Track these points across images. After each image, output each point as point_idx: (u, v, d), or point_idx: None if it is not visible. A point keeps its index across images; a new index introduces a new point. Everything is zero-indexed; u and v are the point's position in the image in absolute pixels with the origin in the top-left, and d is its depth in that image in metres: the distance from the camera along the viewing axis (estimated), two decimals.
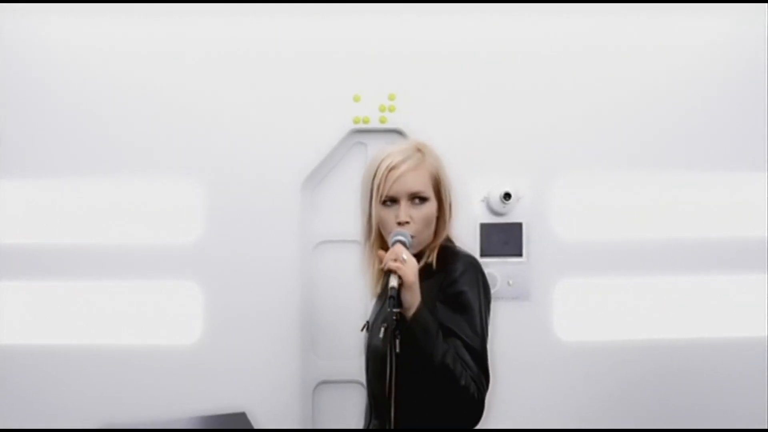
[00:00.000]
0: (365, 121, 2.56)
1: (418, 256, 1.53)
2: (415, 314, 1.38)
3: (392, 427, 1.24)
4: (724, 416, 2.57)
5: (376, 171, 1.58)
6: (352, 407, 2.38)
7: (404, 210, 1.53)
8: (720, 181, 2.60)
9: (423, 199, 1.56)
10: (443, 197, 1.61)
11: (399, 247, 1.44)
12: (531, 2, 2.58)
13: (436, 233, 1.59)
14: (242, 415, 2.09)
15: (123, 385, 2.44)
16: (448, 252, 1.58)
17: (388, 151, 1.61)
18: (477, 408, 1.43)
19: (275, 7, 2.53)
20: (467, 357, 1.42)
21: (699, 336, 2.59)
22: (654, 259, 2.59)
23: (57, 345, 2.47)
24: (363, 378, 1.80)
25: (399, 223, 1.53)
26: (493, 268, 2.53)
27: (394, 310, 1.35)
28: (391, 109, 2.56)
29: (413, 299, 1.38)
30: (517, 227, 2.57)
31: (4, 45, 2.53)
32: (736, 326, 2.59)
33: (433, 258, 1.55)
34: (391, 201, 1.56)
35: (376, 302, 1.71)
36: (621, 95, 2.60)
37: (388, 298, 1.35)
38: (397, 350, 1.30)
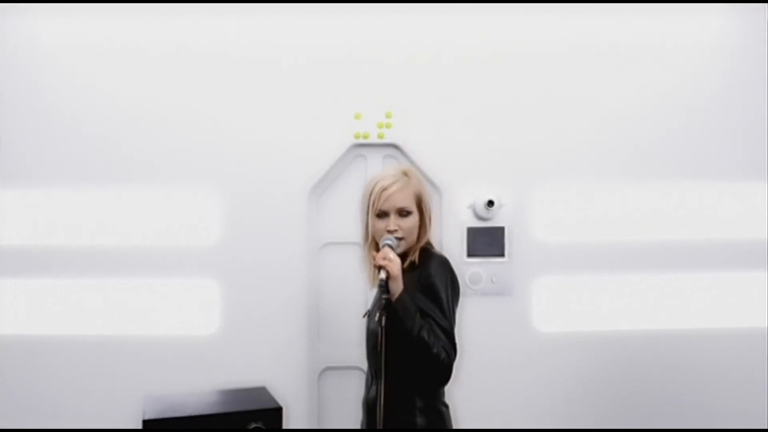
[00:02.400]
0: (365, 137, 2.98)
1: (404, 255, 1.99)
2: (398, 298, 1.86)
3: (384, 381, 1.72)
4: (687, 399, 2.99)
5: (372, 190, 2.06)
6: (354, 390, 2.76)
7: (393, 221, 2.01)
8: (683, 187, 3.01)
9: (407, 213, 2.03)
10: (424, 211, 2.07)
11: (387, 249, 1.93)
12: (513, 2, 2.96)
13: (418, 238, 2.05)
14: (263, 389, 2.54)
15: (153, 370, 2.84)
16: (427, 253, 2.05)
17: (382, 174, 2.10)
18: (446, 370, 1.90)
19: (288, 37, 2.95)
20: (439, 332, 1.88)
21: (664, 328, 3.00)
22: (622, 258, 3.00)
23: (93, 336, 2.87)
24: (363, 364, 2.23)
25: (389, 231, 2.00)
26: (479, 267, 2.96)
27: (384, 296, 1.84)
28: (388, 126, 2.97)
29: (397, 288, 1.86)
30: (500, 231, 2.98)
31: (18, 52, 2.89)
32: (700, 319, 3.00)
33: (415, 257, 2.01)
34: (383, 214, 2.03)
35: (376, 294, 2.14)
36: (594, 113, 3.01)
37: (379, 286, 1.84)
38: (382, 324, 1.79)
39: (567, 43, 3.02)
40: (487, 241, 2.98)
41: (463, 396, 2.80)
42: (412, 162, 2.96)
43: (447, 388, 2.68)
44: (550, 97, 3.01)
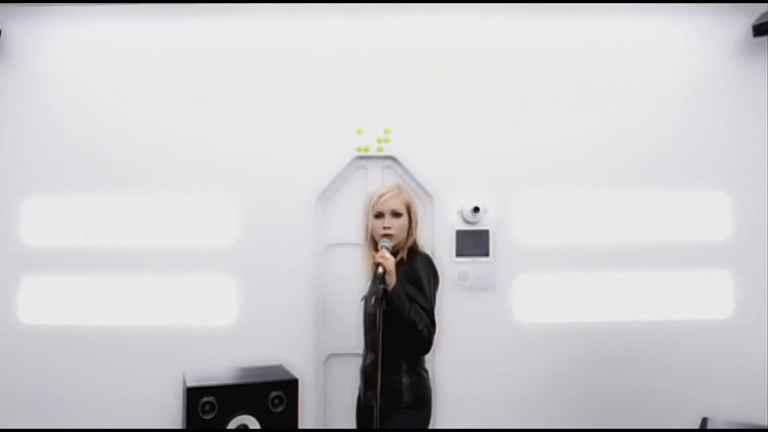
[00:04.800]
0: (366, 150, 3.55)
1: (395, 252, 2.60)
2: (393, 289, 2.46)
3: (381, 355, 2.39)
4: (653, 384, 3.52)
5: (373, 197, 2.70)
6: (354, 373, 3.13)
7: (388, 220, 2.65)
8: (651, 195, 3.58)
9: (399, 215, 2.66)
10: (412, 216, 2.69)
11: (384, 251, 2.54)
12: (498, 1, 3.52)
13: (407, 239, 2.67)
14: (280, 366, 3.18)
15: (183, 353, 3.41)
16: (414, 252, 2.67)
17: (381, 186, 2.74)
18: (428, 342, 2.52)
19: (298, 64, 3.54)
20: (423, 314, 2.49)
21: (632, 320, 3.55)
22: (594, 258, 3.55)
23: (128, 326, 3.48)
24: (362, 351, 2.81)
25: (384, 228, 2.62)
26: (466, 265, 3.53)
27: (381, 286, 2.47)
28: (387, 141, 3.55)
29: (392, 280, 2.47)
30: (485, 233, 3.54)
31: (48, 62, 3.49)
32: (666, 313, 3.56)
33: (404, 255, 2.63)
34: (380, 215, 2.66)
35: (370, 283, 2.76)
36: (567, 130, 3.57)
37: (377, 279, 2.46)
38: (383, 308, 2.43)
39: (542, 67, 3.59)
40: (473, 243, 3.55)
41: (453, 377, 3.46)
42: (407, 172, 3.56)
43: (440, 370, 3.33)
44: (529, 117, 3.59)
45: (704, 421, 2.67)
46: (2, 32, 3.47)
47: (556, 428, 3.53)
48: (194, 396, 2.80)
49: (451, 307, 3.50)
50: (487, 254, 3.57)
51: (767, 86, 3.59)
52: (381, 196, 2.70)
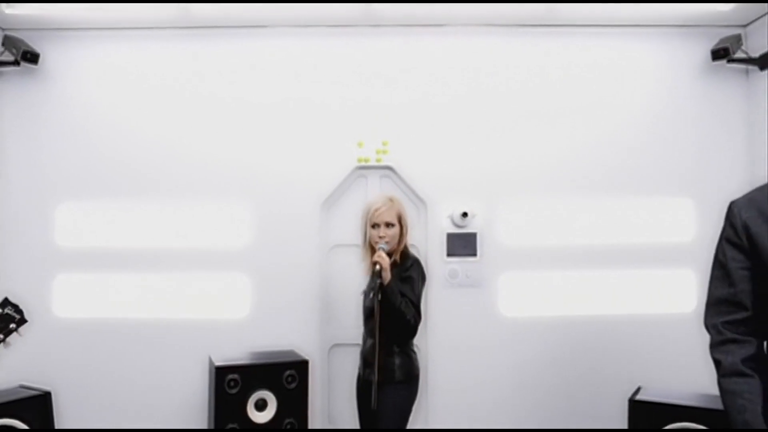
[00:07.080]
0: (366, 161, 4.12)
1: (390, 255, 3.20)
2: (388, 284, 3.05)
3: (378, 339, 3.06)
4: (623, 371, 4.04)
5: (369, 210, 3.28)
6: (354, 360, 3.66)
7: (382, 230, 3.22)
8: (623, 201, 4.16)
9: (391, 225, 3.24)
10: (403, 225, 3.28)
11: (381, 252, 3.13)
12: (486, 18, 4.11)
13: (399, 243, 3.26)
14: (291, 351, 3.86)
15: (201, 343, 4.02)
16: (405, 255, 3.26)
17: (376, 199, 3.31)
18: (414, 330, 3.12)
19: (306, 86, 4.14)
20: (411, 306, 3.08)
21: (605, 314, 4.13)
22: (570, 258, 4.13)
23: (153, 318, 4.09)
24: (362, 337, 3.38)
25: (380, 237, 3.20)
26: (456, 264, 4.11)
27: (378, 281, 3.05)
28: (385, 152, 4.13)
29: (387, 276, 3.05)
30: (473, 236, 4.11)
31: (86, 81, 4.08)
32: (635, 307, 4.13)
33: (397, 257, 3.23)
34: (376, 225, 3.24)
35: (369, 279, 3.37)
36: (547, 143, 4.15)
37: (375, 276, 3.06)
38: (379, 299, 3.03)
39: (524, 87, 4.17)
40: (462, 244, 4.12)
41: (444, 362, 4.05)
42: (403, 181, 4.14)
43: (432, 356, 3.94)
44: (512, 132, 4.17)
45: (638, 389, 3.28)
46: (41, 55, 4.13)
47: (535, 411, 4.15)
48: (221, 374, 3.46)
49: (442, 302, 4.12)
50: (474, 254, 4.15)
51: (726, 103, 4.20)
52: (376, 210, 3.30)
